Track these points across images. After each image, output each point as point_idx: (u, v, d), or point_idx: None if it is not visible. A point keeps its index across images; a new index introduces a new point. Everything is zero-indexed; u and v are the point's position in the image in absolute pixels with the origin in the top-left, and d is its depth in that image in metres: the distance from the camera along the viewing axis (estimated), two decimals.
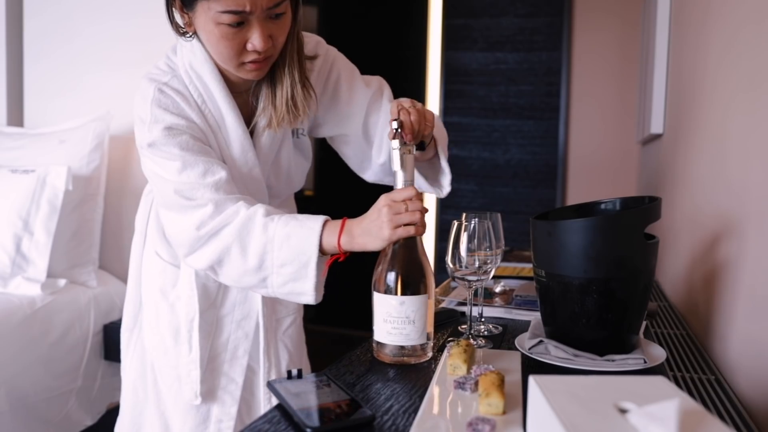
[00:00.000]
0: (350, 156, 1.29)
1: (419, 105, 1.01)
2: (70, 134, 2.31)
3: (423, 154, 1.10)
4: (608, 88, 2.98)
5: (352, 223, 0.97)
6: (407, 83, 3.39)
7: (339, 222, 0.98)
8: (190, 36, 1.06)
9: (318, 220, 0.99)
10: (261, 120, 1.12)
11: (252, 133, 1.14)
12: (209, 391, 1.22)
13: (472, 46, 3.16)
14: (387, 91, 1.25)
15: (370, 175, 1.29)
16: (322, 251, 0.98)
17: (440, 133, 1.14)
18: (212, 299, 1.22)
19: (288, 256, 0.98)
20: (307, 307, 1.35)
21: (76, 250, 2.22)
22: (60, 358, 1.99)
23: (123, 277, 2.39)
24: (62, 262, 2.17)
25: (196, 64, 1.08)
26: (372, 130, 1.22)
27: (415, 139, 0.98)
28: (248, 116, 1.14)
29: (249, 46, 0.99)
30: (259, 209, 1.01)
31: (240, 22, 0.96)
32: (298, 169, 1.26)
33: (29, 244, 2.06)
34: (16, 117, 2.74)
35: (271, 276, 1.00)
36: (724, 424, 0.47)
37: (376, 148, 1.23)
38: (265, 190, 1.19)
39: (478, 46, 3.15)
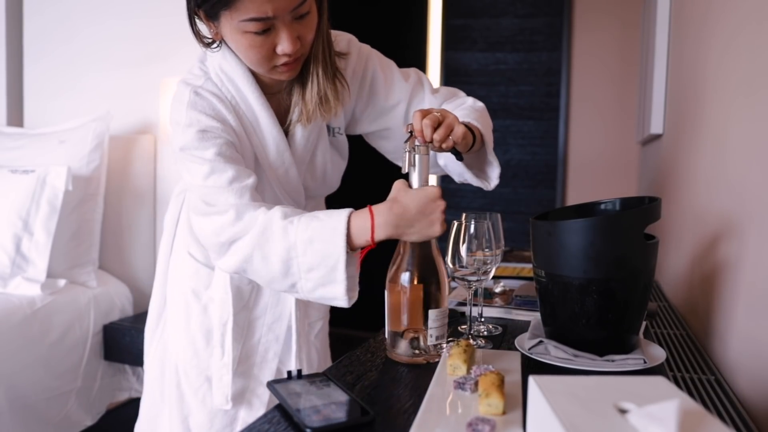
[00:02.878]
0: (390, 149, 1.27)
1: (450, 117, 0.96)
2: (69, 134, 2.31)
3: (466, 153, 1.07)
4: (608, 89, 2.98)
5: (389, 213, 0.91)
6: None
7: (366, 212, 0.93)
8: (217, 46, 1.05)
9: (341, 218, 0.94)
10: (293, 116, 1.11)
11: (287, 133, 1.13)
12: (238, 394, 1.21)
13: (472, 46, 3.16)
14: (426, 81, 1.23)
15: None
16: (351, 247, 0.94)
17: (485, 123, 1.11)
18: (245, 301, 1.22)
19: (313, 260, 0.94)
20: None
21: (75, 250, 2.22)
22: (60, 358, 1.99)
23: (123, 278, 2.39)
24: (62, 263, 2.18)
25: (227, 68, 1.07)
26: None
27: (442, 147, 0.96)
28: (282, 116, 1.13)
29: (279, 50, 0.97)
30: (276, 213, 0.97)
31: (266, 28, 0.94)
32: (335, 168, 1.24)
33: (29, 244, 2.07)
34: (15, 117, 2.74)
35: (299, 282, 0.97)
36: (723, 425, 0.47)
37: None
38: (302, 191, 1.18)
39: (478, 46, 3.15)
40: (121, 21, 2.55)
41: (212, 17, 0.98)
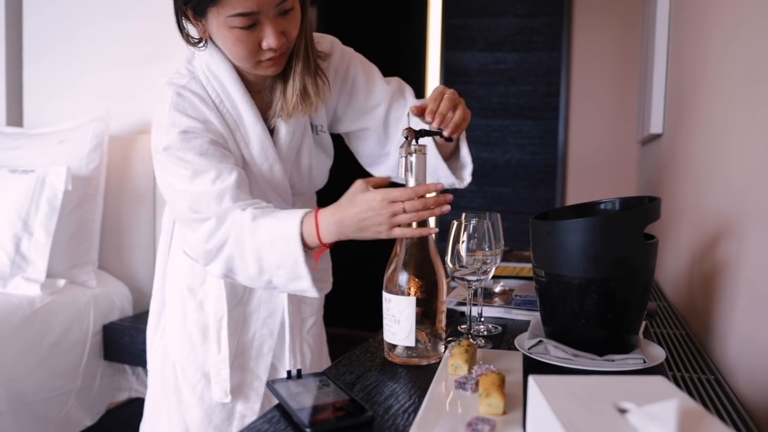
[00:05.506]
0: (365, 152, 1.31)
1: (460, 101, 1.02)
2: (69, 134, 2.31)
3: (445, 146, 1.12)
4: (608, 88, 2.98)
5: (331, 218, 0.95)
6: (407, 83, 3.38)
7: (312, 216, 0.97)
8: (203, 45, 1.08)
9: (295, 221, 0.98)
10: (275, 111, 1.14)
11: (272, 131, 1.16)
12: (235, 388, 1.23)
13: (471, 46, 3.16)
14: (408, 89, 1.28)
15: (384, 170, 1.31)
16: (308, 247, 0.98)
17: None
18: (239, 297, 1.24)
19: (278, 258, 0.99)
20: None
21: (75, 250, 2.22)
22: (59, 358, 1.98)
23: (122, 278, 2.39)
24: (61, 262, 2.17)
25: (213, 66, 1.10)
26: (393, 127, 1.25)
27: (448, 129, 0.99)
28: (266, 113, 1.16)
29: (264, 45, 1.01)
30: (247, 215, 1.01)
31: (252, 23, 0.98)
32: (320, 165, 1.27)
33: (29, 244, 2.06)
34: (15, 117, 2.74)
35: (273, 278, 1.02)
36: (723, 424, 0.47)
37: (395, 143, 1.26)
38: (288, 188, 1.20)
39: (477, 46, 3.15)
40: (121, 20, 2.55)
41: (200, 14, 1.01)
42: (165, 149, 1.06)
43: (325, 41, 1.20)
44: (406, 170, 0.93)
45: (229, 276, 1.06)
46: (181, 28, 1.05)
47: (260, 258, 1.00)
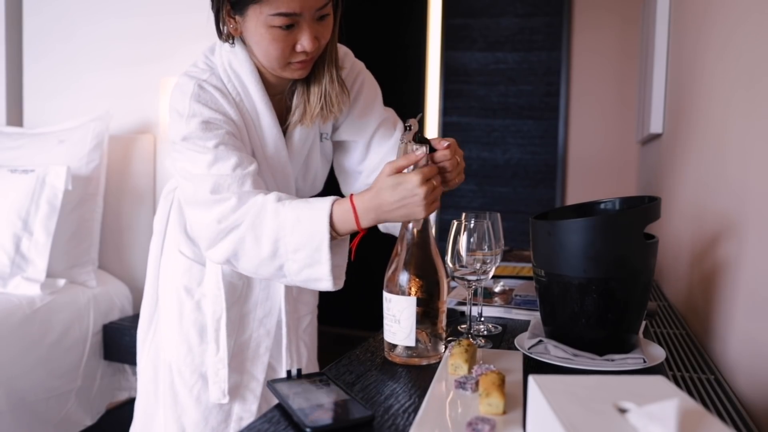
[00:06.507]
0: (344, 164, 1.31)
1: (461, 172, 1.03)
2: (69, 134, 2.31)
3: None
4: (608, 88, 2.98)
5: (369, 203, 0.95)
6: (407, 83, 3.39)
7: (347, 201, 0.97)
8: (232, 43, 1.10)
9: (326, 202, 0.99)
10: (294, 117, 1.15)
11: (285, 134, 1.17)
12: (232, 389, 1.23)
13: (471, 45, 3.16)
14: (400, 123, 1.30)
15: (352, 187, 1.31)
16: (337, 232, 0.98)
17: None
18: (237, 296, 1.24)
19: (300, 240, 0.98)
20: None
21: (75, 250, 2.22)
22: (59, 358, 1.99)
23: (122, 277, 2.39)
24: (61, 262, 2.17)
25: (235, 64, 1.11)
26: (373, 149, 1.26)
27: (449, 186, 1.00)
28: (282, 117, 1.17)
29: (298, 47, 1.02)
30: (272, 196, 1.01)
31: (290, 24, 1.00)
32: (323, 171, 1.29)
33: (28, 244, 2.06)
34: (15, 117, 2.74)
35: (286, 263, 1.00)
36: (723, 424, 0.47)
37: (370, 166, 1.26)
38: (293, 192, 1.21)
39: (477, 45, 3.15)
40: (120, 19, 2.55)
41: (238, 11, 1.03)
42: (184, 138, 1.06)
43: (339, 50, 1.20)
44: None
45: (231, 261, 1.05)
46: (218, 23, 1.07)
47: (278, 239, 0.98)
